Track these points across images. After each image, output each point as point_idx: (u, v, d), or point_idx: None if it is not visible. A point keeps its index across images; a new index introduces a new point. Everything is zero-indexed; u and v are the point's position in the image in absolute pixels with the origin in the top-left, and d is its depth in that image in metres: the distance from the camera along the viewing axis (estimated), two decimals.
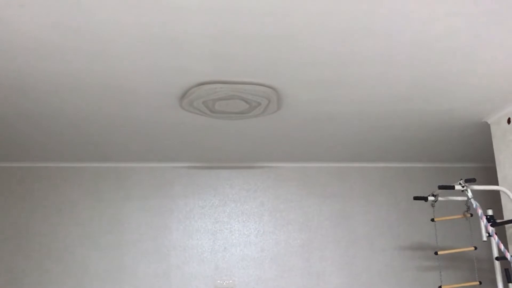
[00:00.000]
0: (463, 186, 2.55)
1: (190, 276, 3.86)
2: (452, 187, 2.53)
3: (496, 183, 2.96)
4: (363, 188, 4.15)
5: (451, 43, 2.08)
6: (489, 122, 3.07)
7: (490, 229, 2.58)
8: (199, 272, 3.87)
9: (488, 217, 2.74)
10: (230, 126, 3.15)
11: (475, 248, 2.87)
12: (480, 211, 2.52)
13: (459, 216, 2.83)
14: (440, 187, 2.51)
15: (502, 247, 2.48)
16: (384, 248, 4.00)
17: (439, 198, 2.81)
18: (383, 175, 4.19)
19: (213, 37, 2.00)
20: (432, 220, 2.78)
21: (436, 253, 2.76)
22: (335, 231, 4.02)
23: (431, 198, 2.81)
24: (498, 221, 2.72)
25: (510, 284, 2.68)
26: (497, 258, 2.72)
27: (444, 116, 3.00)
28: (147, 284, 3.82)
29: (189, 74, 2.35)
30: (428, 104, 2.79)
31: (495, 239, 2.55)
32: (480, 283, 2.84)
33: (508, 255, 2.43)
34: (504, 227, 2.85)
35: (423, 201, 3.97)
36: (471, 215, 2.91)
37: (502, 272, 2.78)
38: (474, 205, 2.51)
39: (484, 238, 2.68)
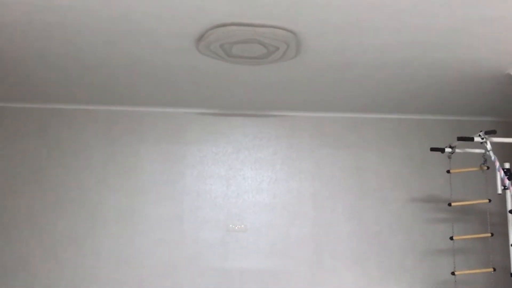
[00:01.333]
0: (482, 138, 2.52)
1: (203, 220, 3.93)
2: (471, 139, 2.49)
3: None
4: (377, 139, 4.12)
5: None
6: None
7: (507, 182, 2.56)
8: (211, 216, 3.94)
9: (505, 170, 2.72)
10: (247, 71, 3.09)
11: (489, 200, 2.86)
12: (497, 164, 2.50)
13: (476, 169, 2.81)
14: (459, 139, 2.47)
15: None
16: (395, 200, 4.02)
17: (456, 150, 2.78)
18: (397, 127, 4.14)
19: None
20: (448, 171, 2.77)
21: (449, 205, 2.76)
22: (346, 182, 4.04)
23: (448, 150, 2.78)
24: None
25: None
26: (510, 211, 2.72)
27: (465, 67, 2.91)
28: (160, 227, 3.90)
29: (207, 15, 2.28)
30: (450, 53, 2.70)
31: (510, 192, 2.53)
32: (492, 235, 2.86)
33: None
34: None
35: (437, 153, 3.95)
36: (488, 167, 2.89)
37: None
38: (493, 158, 2.48)
39: (499, 191, 2.67)
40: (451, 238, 2.72)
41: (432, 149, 2.81)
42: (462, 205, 2.97)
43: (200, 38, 2.53)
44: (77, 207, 3.89)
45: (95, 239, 3.86)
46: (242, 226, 3.95)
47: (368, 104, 3.84)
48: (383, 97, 3.62)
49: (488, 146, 2.51)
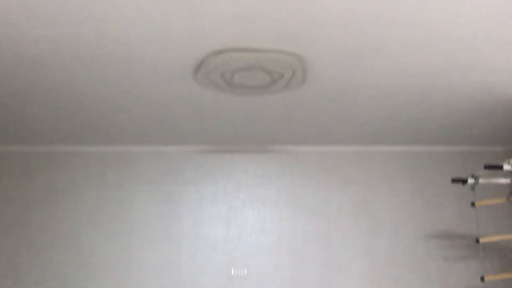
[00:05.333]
0: None
1: (203, 266, 3.62)
2: (500, 167, 2.27)
3: None
4: (385, 173, 3.88)
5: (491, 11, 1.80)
6: None
7: None
8: (211, 261, 3.64)
9: None
10: (248, 103, 2.88)
11: None
12: None
13: (502, 200, 2.58)
14: (487, 167, 2.25)
15: None
16: (408, 236, 3.75)
17: (480, 181, 2.55)
18: (406, 159, 3.91)
19: None
20: (473, 204, 2.53)
21: (477, 241, 2.50)
22: (356, 219, 3.77)
23: (471, 181, 2.55)
24: None
25: None
26: None
27: (478, 92, 2.69)
28: (157, 274, 3.58)
29: (207, 39, 2.08)
30: (463, 78, 2.49)
31: None
32: None
33: None
34: None
35: (449, 185, 3.71)
36: None
37: None
38: None
39: None
40: (482, 279, 2.44)
41: (454, 180, 2.58)
42: (490, 241, 2.70)
43: (199, 66, 2.33)
44: (66, 255, 3.58)
45: None
46: (245, 271, 3.64)
47: (374, 135, 3.63)
48: (391, 127, 3.42)
49: None
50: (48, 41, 2.04)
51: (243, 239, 3.70)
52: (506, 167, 2.30)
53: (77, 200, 3.70)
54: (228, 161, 3.85)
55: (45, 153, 3.75)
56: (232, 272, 3.63)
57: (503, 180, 2.54)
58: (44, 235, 3.62)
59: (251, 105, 2.91)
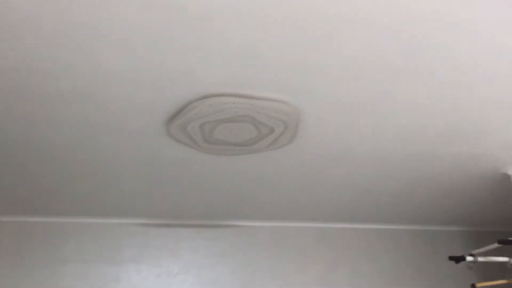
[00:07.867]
0: None
1: None
2: (463, 258, 2.13)
3: None
4: (347, 253, 3.56)
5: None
6: (509, 173, 2.69)
7: None
8: None
9: None
10: (214, 165, 2.50)
11: None
12: None
13: (505, 281, 2.34)
14: (501, 242, 2.02)
15: None
16: None
17: (479, 259, 2.31)
18: (366, 238, 3.64)
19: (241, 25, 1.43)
20: (473, 286, 2.26)
21: None
22: None
23: (469, 258, 2.31)
24: None
25: None
26: None
27: (479, 165, 2.54)
28: None
29: (193, 80, 1.73)
30: (470, 149, 2.34)
31: None
32: None
33: None
34: None
35: (409, 268, 3.52)
36: None
37: None
38: None
39: None
40: None
41: (451, 258, 2.33)
42: None
43: (176, 114, 1.93)
44: None
45: None
46: None
47: (338, 212, 3.38)
48: (360, 203, 3.20)
49: None
50: None
51: None
52: (468, 258, 2.21)
53: None
54: (174, 237, 3.35)
55: None
56: None
57: (500, 259, 2.33)
58: None
59: (216, 168, 2.53)
